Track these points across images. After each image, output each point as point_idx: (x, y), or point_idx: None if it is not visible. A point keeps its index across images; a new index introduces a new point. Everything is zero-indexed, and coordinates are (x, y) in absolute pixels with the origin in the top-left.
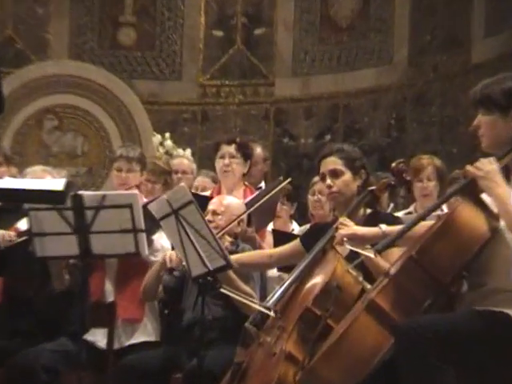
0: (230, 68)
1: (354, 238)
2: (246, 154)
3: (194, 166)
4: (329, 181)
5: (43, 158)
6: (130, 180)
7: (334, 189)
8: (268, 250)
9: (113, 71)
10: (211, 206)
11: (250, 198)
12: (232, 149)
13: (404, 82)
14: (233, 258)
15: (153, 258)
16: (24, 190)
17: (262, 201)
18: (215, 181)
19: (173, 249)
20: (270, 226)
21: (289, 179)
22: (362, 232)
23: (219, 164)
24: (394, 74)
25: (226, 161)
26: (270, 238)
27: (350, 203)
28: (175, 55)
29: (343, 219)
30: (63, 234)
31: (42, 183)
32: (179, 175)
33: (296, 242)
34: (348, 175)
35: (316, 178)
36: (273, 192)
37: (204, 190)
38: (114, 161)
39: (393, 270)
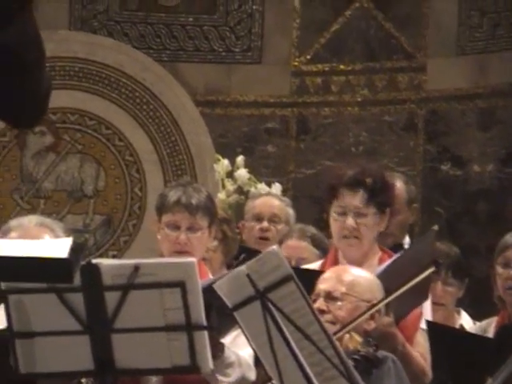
0: (346, 42)
1: None
2: (383, 202)
3: (291, 212)
4: None
5: (25, 198)
6: (194, 245)
7: None
8: None
9: (145, 49)
10: (324, 285)
11: (385, 264)
12: (360, 199)
13: None
14: None
15: (222, 379)
16: (20, 260)
17: (413, 283)
18: (319, 244)
19: (257, 363)
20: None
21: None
22: None
23: (336, 224)
24: None
25: (351, 222)
26: (423, 342)
27: None
28: (252, 21)
29: None
30: (66, 335)
31: (39, 248)
32: (264, 223)
33: None
34: None
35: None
36: (421, 276)
37: (299, 261)
38: (161, 210)
39: None
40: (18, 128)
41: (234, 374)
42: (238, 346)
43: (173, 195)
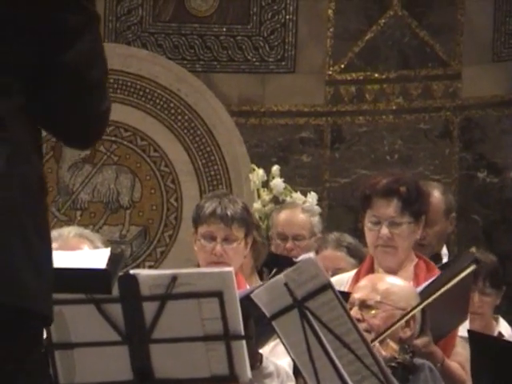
0: (380, 51)
1: None
2: (417, 211)
3: (316, 221)
4: None
5: (62, 210)
6: (230, 256)
7: None
8: None
9: (179, 60)
10: (358, 294)
11: (426, 283)
12: (394, 208)
13: None
14: None
15: None
16: (59, 271)
17: (445, 288)
18: (356, 254)
19: (296, 372)
20: (463, 329)
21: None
22: None
23: (371, 233)
24: None
25: (385, 231)
26: (462, 350)
27: None
28: (286, 31)
29: None
30: (105, 345)
31: (77, 258)
32: (289, 243)
33: None
34: None
35: None
36: (462, 275)
37: (336, 272)
38: (197, 221)
39: None
40: (74, 148)
41: None
42: (277, 356)
43: (208, 206)
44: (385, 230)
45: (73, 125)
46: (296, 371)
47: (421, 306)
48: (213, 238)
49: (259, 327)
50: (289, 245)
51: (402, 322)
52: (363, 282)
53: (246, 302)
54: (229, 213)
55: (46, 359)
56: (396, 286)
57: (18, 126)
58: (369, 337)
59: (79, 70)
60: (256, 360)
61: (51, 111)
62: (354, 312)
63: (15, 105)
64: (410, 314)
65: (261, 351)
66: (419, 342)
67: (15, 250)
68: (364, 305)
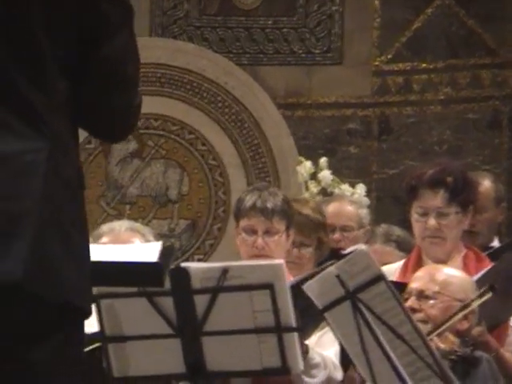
0: (427, 40)
1: None
2: (465, 201)
3: (364, 213)
4: None
5: (111, 205)
6: (271, 248)
7: None
8: None
9: (225, 54)
10: (416, 284)
11: (482, 272)
12: (441, 199)
13: None
14: None
15: (308, 380)
16: (111, 265)
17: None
18: (405, 246)
19: (346, 365)
20: None
21: None
22: None
23: (418, 225)
24: None
25: (433, 222)
26: None
27: None
28: (332, 22)
29: None
30: (157, 338)
31: (129, 252)
32: (336, 234)
33: None
34: None
35: None
36: (476, 303)
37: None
38: (238, 215)
39: None
40: (106, 142)
41: (320, 375)
42: (323, 346)
43: (248, 200)
44: (432, 221)
45: (103, 119)
46: (343, 361)
47: (479, 302)
48: (254, 232)
49: (305, 318)
50: (336, 235)
51: (460, 316)
52: (420, 273)
53: (292, 293)
54: (269, 205)
55: (89, 360)
56: (454, 276)
57: (57, 121)
58: (425, 327)
59: (115, 64)
60: (302, 351)
61: (84, 104)
62: (412, 302)
63: (54, 99)
64: (469, 309)
65: (307, 342)
66: (474, 331)
67: (53, 244)
68: (422, 295)
